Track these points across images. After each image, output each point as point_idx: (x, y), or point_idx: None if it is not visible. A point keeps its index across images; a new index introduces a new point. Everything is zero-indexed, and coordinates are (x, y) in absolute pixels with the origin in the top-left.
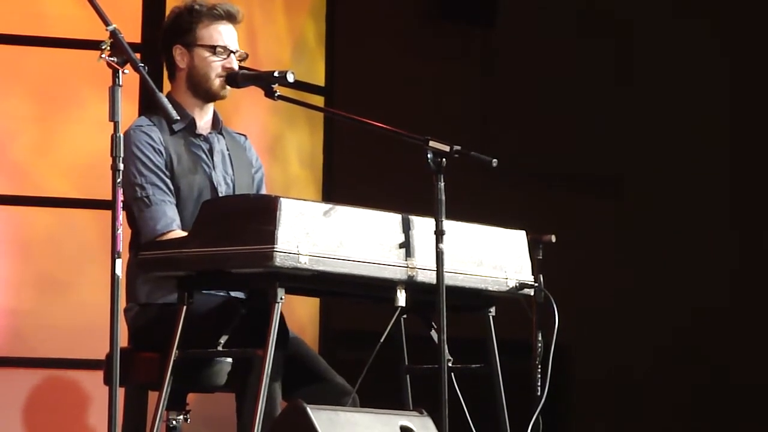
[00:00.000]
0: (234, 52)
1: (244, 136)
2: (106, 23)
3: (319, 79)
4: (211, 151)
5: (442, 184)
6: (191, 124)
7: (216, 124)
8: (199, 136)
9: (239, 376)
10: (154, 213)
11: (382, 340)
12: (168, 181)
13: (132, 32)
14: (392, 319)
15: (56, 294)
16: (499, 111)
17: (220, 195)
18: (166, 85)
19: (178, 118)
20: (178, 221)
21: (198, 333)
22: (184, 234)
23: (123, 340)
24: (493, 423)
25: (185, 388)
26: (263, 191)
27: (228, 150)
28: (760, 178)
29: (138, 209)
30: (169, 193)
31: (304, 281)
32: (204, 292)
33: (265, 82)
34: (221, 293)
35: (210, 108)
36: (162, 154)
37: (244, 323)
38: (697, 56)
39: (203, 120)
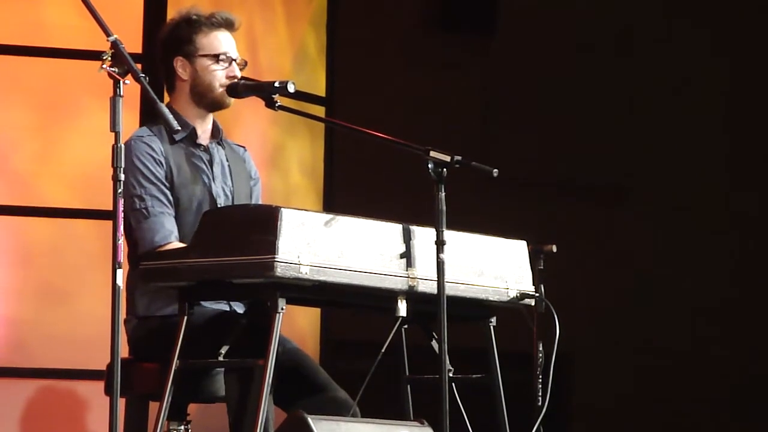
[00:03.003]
0: (235, 60)
1: (243, 147)
2: (108, 34)
3: (320, 89)
4: (211, 161)
5: (443, 194)
6: (192, 134)
7: (216, 133)
8: (200, 146)
9: (232, 390)
10: (153, 224)
11: (383, 351)
12: (167, 192)
13: (133, 43)
14: (393, 330)
15: (57, 304)
16: (499, 120)
17: (219, 206)
18: (167, 96)
19: (179, 128)
20: (176, 233)
21: (198, 343)
22: (183, 246)
23: (124, 351)
24: None
25: (186, 398)
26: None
27: (227, 161)
28: (759, 184)
29: (136, 220)
30: (168, 204)
31: (304, 291)
32: (204, 305)
33: (266, 92)
34: (219, 306)
35: (210, 117)
36: (162, 164)
37: (243, 335)
38: (698, 61)
39: (203, 130)
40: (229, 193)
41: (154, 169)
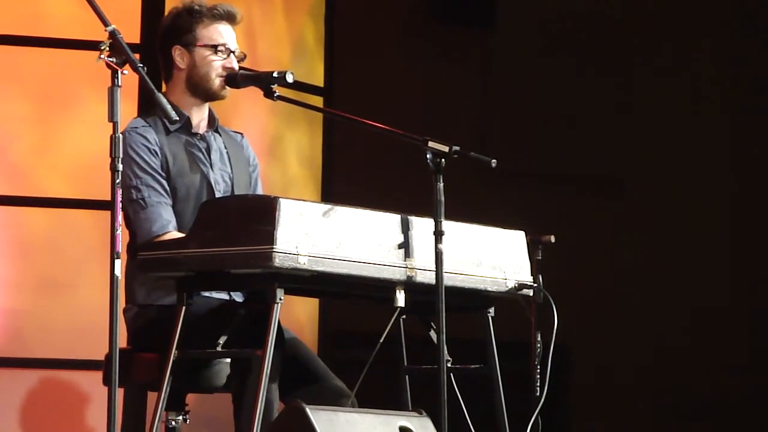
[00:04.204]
0: (233, 52)
1: (241, 134)
2: (105, 24)
3: (318, 79)
4: (208, 149)
5: (441, 184)
6: (187, 124)
7: (212, 122)
8: (196, 135)
9: (236, 379)
10: (150, 215)
11: (381, 341)
12: (164, 182)
13: (131, 33)
14: (391, 320)
15: (55, 294)
16: (498, 111)
17: (218, 194)
18: (163, 86)
19: (177, 118)
20: (174, 223)
21: (197, 334)
22: (181, 235)
23: (122, 341)
24: (492, 423)
25: (184, 388)
26: (259, 188)
27: (225, 148)
28: (760, 179)
29: (134, 211)
30: (165, 194)
31: (303, 282)
32: (204, 295)
33: (265, 82)
34: (220, 296)
35: (206, 107)
36: (157, 155)
37: (242, 324)
38: (697, 58)
39: (199, 119)
40: (228, 180)
41: (149, 159)
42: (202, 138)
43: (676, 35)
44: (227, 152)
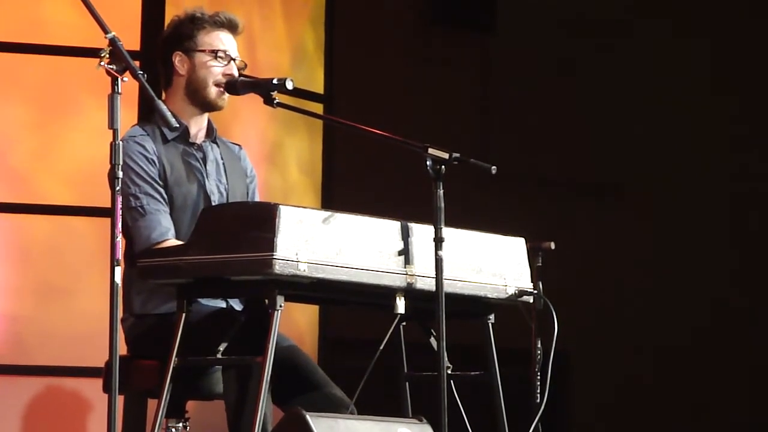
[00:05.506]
0: (234, 60)
1: (239, 146)
2: (106, 31)
3: (319, 86)
4: (204, 159)
5: (441, 191)
6: (184, 133)
7: (210, 132)
8: (193, 144)
9: (230, 387)
10: (149, 222)
11: (381, 348)
12: (162, 190)
13: (131, 40)
14: (391, 327)
15: (55, 301)
16: (498, 117)
17: (213, 204)
18: (162, 95)
19: (177, 125)
20: (172, 230)
21: (197, 341)
22: (179, 243)
23: (122, 348)
24: (493, 430)
25: (184, 395)
26: (257, 200)
27: (222, 159)
28: (761, 182)
29: (132, 219)
30: (163, 202)
31: (303, 289)
32: (201, 302)
33: (265, 89)
34: (218, 304)
35: (204, 117)
36: (155, 163)
37: (241, 332)
38: (698, 59)
39: (197, 128)
40: (223, 191)
41: (147, 168)
42: (199, 148)
43: (680, 38)
44: (223, 163)
